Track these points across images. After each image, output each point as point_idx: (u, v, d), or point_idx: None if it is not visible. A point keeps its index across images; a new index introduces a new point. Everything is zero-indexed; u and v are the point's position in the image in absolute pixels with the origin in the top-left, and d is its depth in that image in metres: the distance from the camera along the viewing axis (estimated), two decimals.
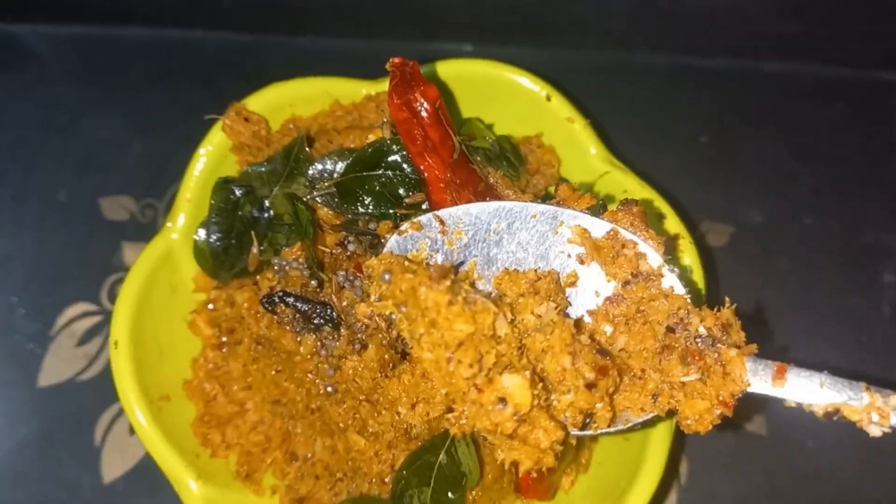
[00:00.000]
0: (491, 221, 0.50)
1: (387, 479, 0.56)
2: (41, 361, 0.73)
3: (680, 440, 0.72)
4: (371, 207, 0.57)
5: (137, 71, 0.88)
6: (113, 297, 0.60)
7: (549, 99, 0.66)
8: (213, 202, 0.60)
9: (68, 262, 0.77)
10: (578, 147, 0.66)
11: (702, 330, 0.46)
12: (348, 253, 0.57)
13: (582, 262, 0.50)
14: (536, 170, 0.65)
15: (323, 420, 0.58)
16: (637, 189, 0.63)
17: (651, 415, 0.47)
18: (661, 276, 0.48)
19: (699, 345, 0.45)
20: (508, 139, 0.64)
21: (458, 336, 0.39)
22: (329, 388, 0.56)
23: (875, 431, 0.43)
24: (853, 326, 0.78)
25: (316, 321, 0.55)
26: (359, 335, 0.54)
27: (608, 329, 0.48)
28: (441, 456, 0.54)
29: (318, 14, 0.88)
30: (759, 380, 0.45)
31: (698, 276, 0.61)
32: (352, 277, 0.55)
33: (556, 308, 0.46)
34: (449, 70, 0.66)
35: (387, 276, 0.43)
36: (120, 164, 0.83)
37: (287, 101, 0.66)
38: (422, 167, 0.54)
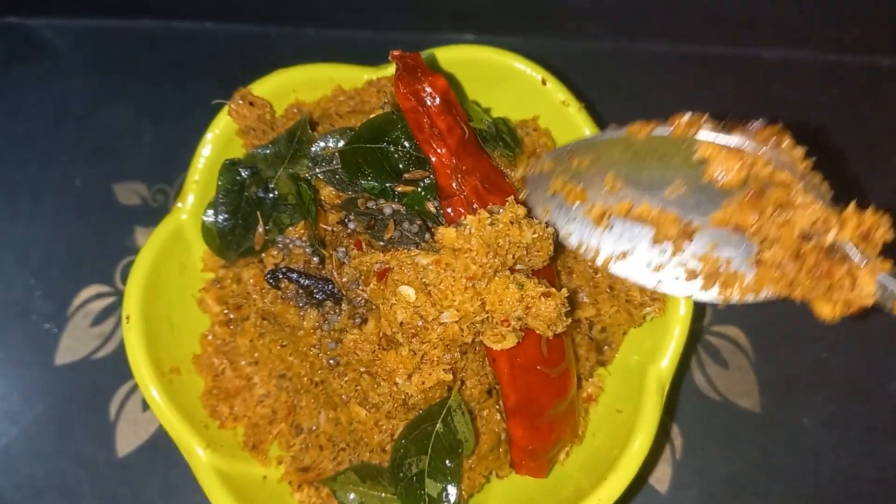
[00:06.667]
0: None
1: (387, 448, 0.58)
2: (58, 341, 0.76)
3: (672, 414, 0.74)
4: (371, 179, 0.58)
5: (149, 62, 0.91)
6: (126, 279, 0.62)
7: (544, 83, 0.67)
8: (220, 183, 0.62)
9: (83, 245, 0.80)
10: (573, 130, 0.67)
11: (836, 238, 0.48)
12: (348, 231, 0.59)
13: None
14: (532, 151, 0.66)
15: (326, 393, 0.60)
16: None
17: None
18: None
19: (830, 258, 0.48)
20: (505, 121, 0.66)
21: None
22: (331, 361, 0.58)
23: None
24: None
25: (318, 296, 0.57)
26: (359, 309, 0.57)
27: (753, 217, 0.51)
28: (438, 425, 0.56)
29: (325, 5, 0.91)
30: (886, 295, 0.47)
31: None
32: (351, 254, 0.57)
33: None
34: (448, 56, 0.68)
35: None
36: (133, 151, 0.85)
37: (291, 87, 0.68)
38: (429, 154, 0.56)
